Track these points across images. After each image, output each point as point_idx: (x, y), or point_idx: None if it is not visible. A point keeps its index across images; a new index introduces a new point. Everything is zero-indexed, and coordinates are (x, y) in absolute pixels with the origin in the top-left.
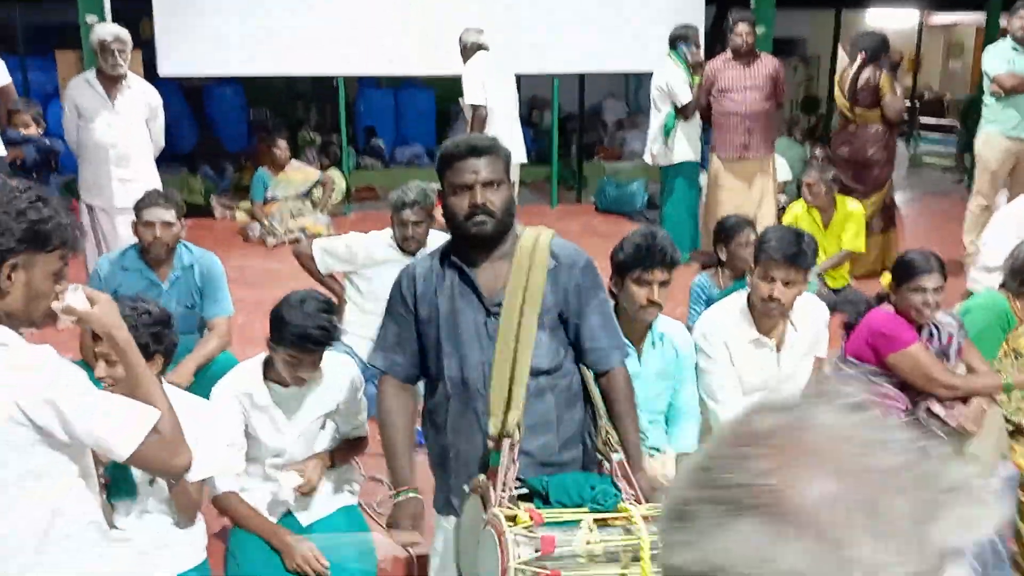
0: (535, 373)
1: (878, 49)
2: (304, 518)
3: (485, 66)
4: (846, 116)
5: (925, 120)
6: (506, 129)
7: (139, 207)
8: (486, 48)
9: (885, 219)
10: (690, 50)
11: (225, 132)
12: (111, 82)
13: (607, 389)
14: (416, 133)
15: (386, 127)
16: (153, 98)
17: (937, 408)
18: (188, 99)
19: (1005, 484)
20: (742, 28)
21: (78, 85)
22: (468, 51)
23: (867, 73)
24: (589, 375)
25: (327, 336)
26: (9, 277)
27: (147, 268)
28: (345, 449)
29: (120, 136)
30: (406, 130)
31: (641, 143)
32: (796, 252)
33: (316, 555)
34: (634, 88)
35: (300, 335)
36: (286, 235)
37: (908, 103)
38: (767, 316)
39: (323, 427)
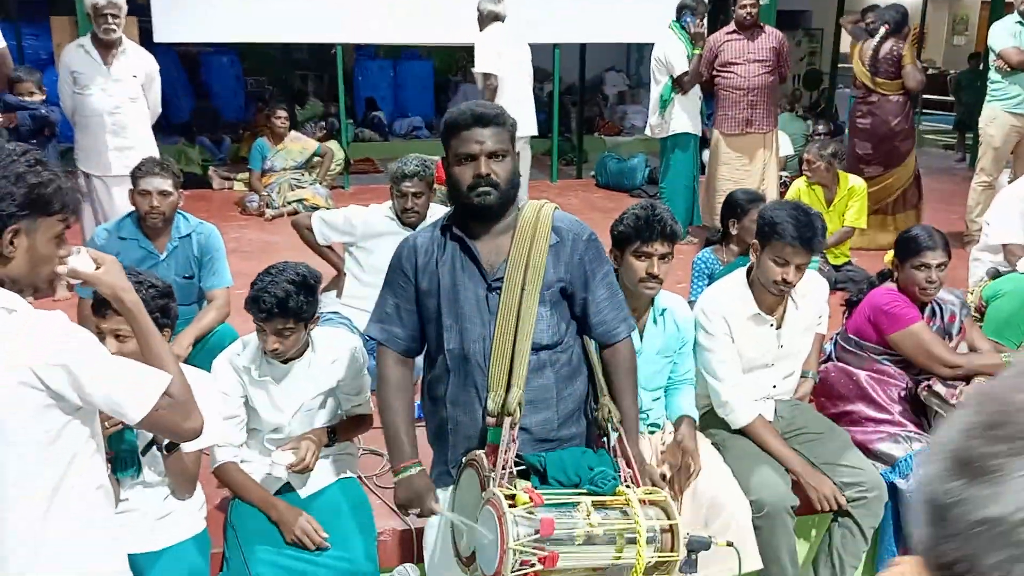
0: (535, 348)
1: (901, 21)
2: (303, 491)
3: (501, 36)
4: (867, 87)
5: (928, 97)
6: (517, 101)
7: (136, 175)
8: (503, 18)
9: (916, 192)
10: (693, 21)
11: (222, 102)
12: (106, 48)
13: (610, 362)
14: (415, 104)
15: (385, 98)
16: (149, 64)
17: (938, 387)
18: (185, 68)
19: None
20: (746, 0)
21: (73, 51)
22: (484, 19)
23: (890, 44)
24: (592, 347)
25: (279, 306)
26: (11, 243)
27: (144, 238)
28: (348, 426)
29: (116, 103)
30: (405, 102)
31: (642, 118)
32: (812, 235)
33: (315, 527)
34: (635, 61)
35: (252, 297)
36: (284, 206)
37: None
38: (772, 294)
39: (324, 405)
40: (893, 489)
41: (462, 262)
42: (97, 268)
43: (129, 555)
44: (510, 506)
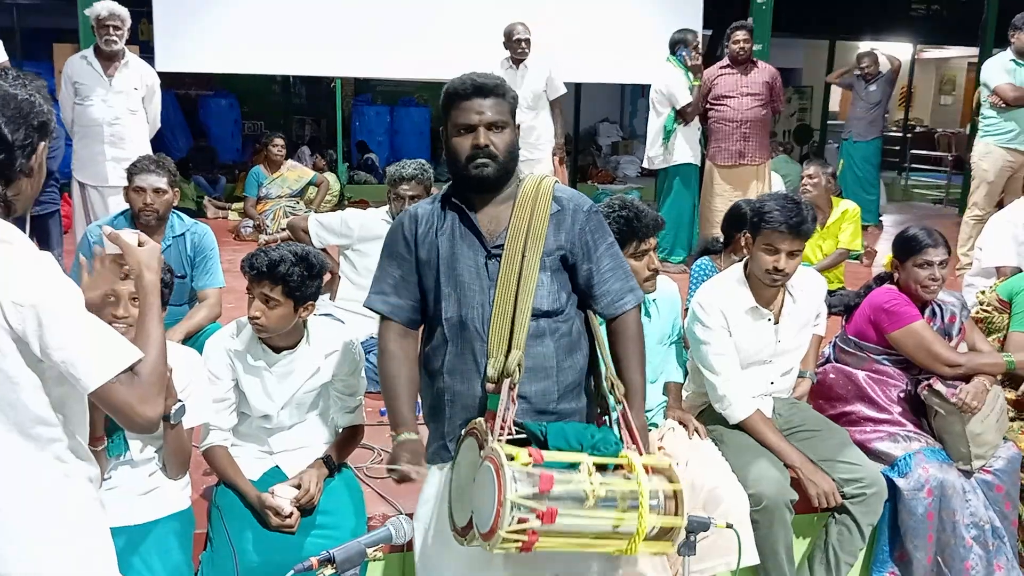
0: (535, 315)
1: None
2: (292, 473)
3: None
4: None
5: (916, 153)
6: None
7: (131, 172)
8: None
9: None
10: (689, 54)
11: (220, 143)
12: (108, 59)
13: (618, 333)
14: (411, 151)
15: (381, 144)
16: (151, 77)
17: (939, 386)
18: (184, 109)
19: (1007, 464)
20: (740, 35)
21: (76, 62)
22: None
23: None
24: (594, 321)
25: (269, 266)
26: (40, 156)
27: None
28: (342, 447)
29: (116, 114)
30: (401, 148)
31: (634, 168)
32: (800, 221)
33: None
34: (629, 113)
35: (247, 261)
36: (278, 232)
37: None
38: (768, 287)
39: (316, 402)
40: (891, 488)
41: (461, 231)
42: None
43: (111, 529)
44: (509, 461)
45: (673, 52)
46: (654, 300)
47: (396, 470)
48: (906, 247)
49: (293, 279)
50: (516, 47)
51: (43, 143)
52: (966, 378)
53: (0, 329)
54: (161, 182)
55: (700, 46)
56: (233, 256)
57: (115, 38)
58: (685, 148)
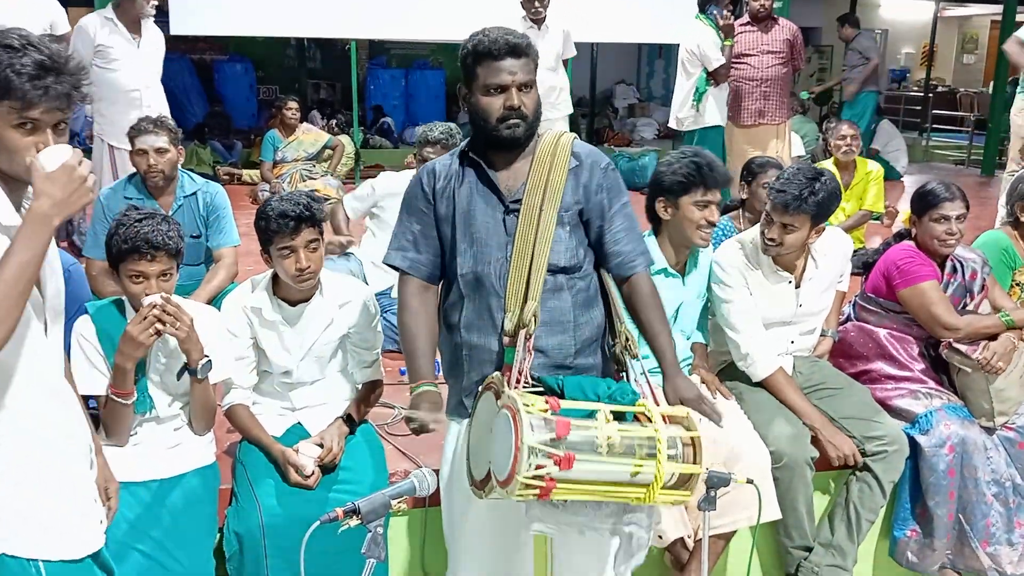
0: (552, 270)
1: None
2: (314, 430)
3: None
4: None
5: (937, 113)
6: None
7: (132, 135)
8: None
9: None
10: (720, 13)
11: (235, 109)
12: (136, 23)
13: (633, 296)
14: (426, 114)
15: (396, 107)
16: (162, 37)
17: (959, 344)
18: (199, 75)
19: None
20: None
21: (99, 24)
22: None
23: None
24: (609, 279)
25: (305, 210)
26: None
27: (148, 197)
28: (362, 403)
29: (148, 78)
30: (416, 111)
31: (651, 130)
32: (794, 197)
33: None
34: (645, 75)
35: (279, 214)
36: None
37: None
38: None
39: (334, 354)
40: (912, 446)
41: (479, 186)
42: None
43: (139, 483)
44: (526, 408)
45: (703, 10)
46: (695, 251)
47: (414, 419)
48: (923, 201)
49: (323, 213)
50: (531, 6)
51: None
52: (992, 336)
53: None
54: (161, 141)
55: (731, 5)
56: (251, 220)
57: (156, 1)
58: (715, 110)
